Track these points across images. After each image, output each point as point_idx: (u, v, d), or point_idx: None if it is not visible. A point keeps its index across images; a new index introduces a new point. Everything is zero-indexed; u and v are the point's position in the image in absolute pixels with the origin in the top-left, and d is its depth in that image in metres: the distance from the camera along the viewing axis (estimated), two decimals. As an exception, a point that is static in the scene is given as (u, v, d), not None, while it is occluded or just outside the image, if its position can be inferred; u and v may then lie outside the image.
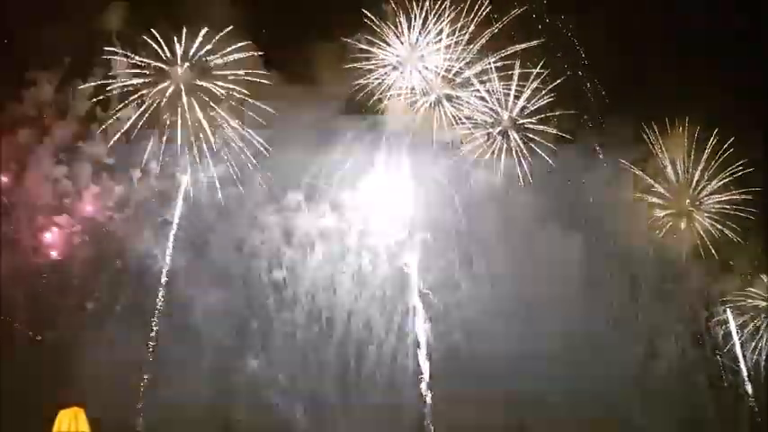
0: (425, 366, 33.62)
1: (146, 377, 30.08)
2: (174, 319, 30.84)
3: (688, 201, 37.35)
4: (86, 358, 29.25)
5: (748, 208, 36.29)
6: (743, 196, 36.46)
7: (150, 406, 29.87)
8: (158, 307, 30.73)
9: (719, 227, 36.88)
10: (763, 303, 37.85)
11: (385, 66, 34.15)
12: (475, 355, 32.89)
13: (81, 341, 29.75)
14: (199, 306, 30.88)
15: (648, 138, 36.38)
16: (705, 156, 36.47)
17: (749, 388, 37.38)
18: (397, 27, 33.67)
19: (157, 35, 30.29)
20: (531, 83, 34.21)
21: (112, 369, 29.15)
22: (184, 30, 30.58)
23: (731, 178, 36.47)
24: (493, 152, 34.75)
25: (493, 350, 33.02)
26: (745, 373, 37.43)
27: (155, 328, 30.60)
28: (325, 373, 32.24)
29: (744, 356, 37.46)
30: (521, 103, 34.63)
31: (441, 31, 33.72)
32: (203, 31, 31.05)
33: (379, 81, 34.13)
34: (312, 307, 32.72)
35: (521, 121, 34.93)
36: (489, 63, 33.94)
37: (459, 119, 34.62)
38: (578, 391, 33.13)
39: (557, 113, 34.60)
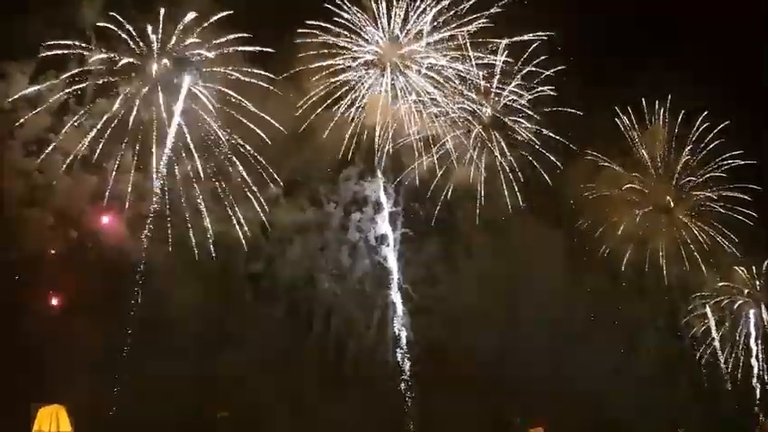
0: (405, 361, 33.62)
1: (122, 373, 29.43)
2: (151, 313, 30.29)
3: (668, 197, 37.58)
4: (60, 354, 28.67)
5: (729, 205, 36.55)
6: (721, 192, 36.78)
7: (128, 402, 29.14)
8: (135, 301, 30.18)
9: (699, 224, 37.19)
10: (742, 299, 38.23)
11: (366, 62, 34.07)
12: (455, 350, 32.81)
13: (55, 337, 29.19)
14: (175, 300, 30.45)
15: (627, 132, 36.75)
16: (688, 148, 36.81)
17: (728, 383, 37.72)
18: (377, 23, 33.72)
19: (131, 28, 29.95)
20: (513, 79, 34.44)
21: (88, 365, 28.44)
22: (161, 23, 30.31)
23: (718, 173, 36.68)
24: (474, 148, 34.82)
25: (473, 345, 33.01)
26: (723, 368, 37.76)
27: (131, 324, 29.99)
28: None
29: (722, 350, 37.84)
30: (503, 100, 34.80)
31: (422, 29, 33.82)
32: (181, 26, 30.77)
33: (360, 77, 34.07)
34: (291, 302, 32.52)
35: (502, 118, 35.00)
36: (471, 59, 34.07)
37: (441, 115, 34.66)
38: (558, 384, 33.22)
39: (538, 109, 34.81)
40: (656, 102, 36.06)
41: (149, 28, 30.00)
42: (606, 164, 36.73)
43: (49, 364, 28.23)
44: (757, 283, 38.18)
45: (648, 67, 35.43)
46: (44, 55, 29.50)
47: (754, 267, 37.98)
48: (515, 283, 34.32)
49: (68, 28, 29.57)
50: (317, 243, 33.57)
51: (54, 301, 30.09)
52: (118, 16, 29.65)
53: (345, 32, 33.18)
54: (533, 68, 34.25)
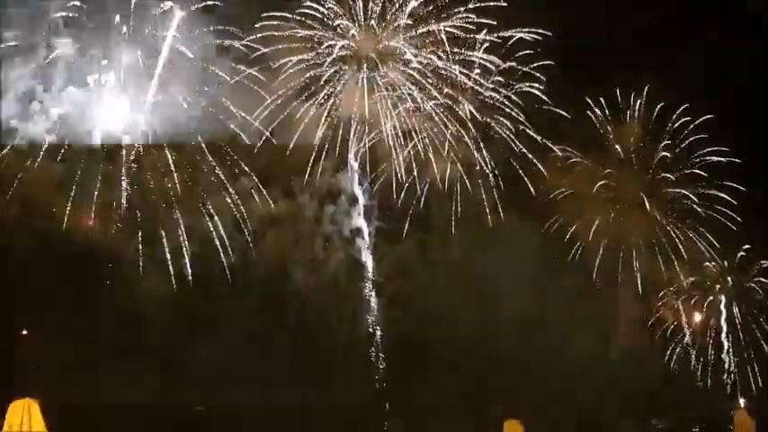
0: (379, 353, 33.54)
1: (95, 368, 28.98)
2: (122, 306, 29.94)
3: (641, 194, 37.79)
4: (29, 348, 28.27)
5: (708, 204, 36.72)
6: (699, 190, 37.04)
7: (102, 396, 28.67)
8: (104, 295, 29.83)
9: (673, 221, 37.47)
10: (713, 294, 38.64)
11: (342, 56, 33.96)
12: (430, 343, 32.80)
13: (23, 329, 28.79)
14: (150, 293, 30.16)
15: (602, 126, 36.85)
16: (665, 143, 36.93)
17: (699, 377, 38.14)
18: (353, 15, 33.58)
19: (101, 17, 29.60)
20: (493, 75, 34.50)
21: (57, 359, 28.08)
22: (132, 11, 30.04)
23: (697, 170, 36.73)
24: (450, 141, 34.85)
25: (448, 338, 33.04)
26: (694, 363, 38.19)
27: (101, 316, 29.60)
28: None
29: (693, 345, 38.24)
30: (481, 96, 34.84)
31: (399, 23, 33.73)
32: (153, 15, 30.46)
33: (336, 71, 33.92)
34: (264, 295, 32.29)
35: (479, 115, 35.06)
36: (448, 52, 34.06)
37: (418, 110, 34.63)
38: (534, 377, 33.36)
39: (516, 103, 34.89)
40: (632, 94, 36.25)
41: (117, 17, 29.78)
42: (580, 160, 36.84)
43: (17, 359, 27.94)
44: (729, 278, 38.57)
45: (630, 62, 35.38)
46: (12, 44, 29.17)
47: (725, 262, 38.33)
48: (490, 279, 34.34)
49: (36, 15, 29.23)
50: (290, 235, 33.43)
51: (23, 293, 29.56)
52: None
53: (320, 26, 33.10)
54: (514, 65, 34.35)
